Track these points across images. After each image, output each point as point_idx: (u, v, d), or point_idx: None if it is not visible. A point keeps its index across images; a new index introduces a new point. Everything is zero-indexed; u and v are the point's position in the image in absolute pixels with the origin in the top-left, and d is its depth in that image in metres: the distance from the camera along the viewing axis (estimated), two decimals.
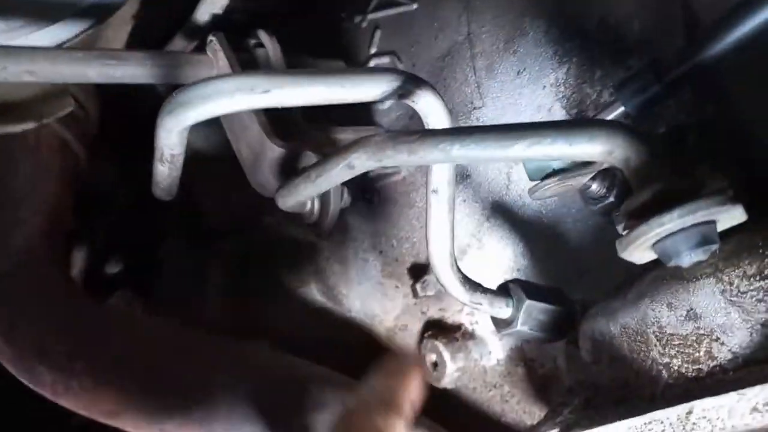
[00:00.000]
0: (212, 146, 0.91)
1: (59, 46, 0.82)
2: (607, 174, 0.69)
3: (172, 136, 0.56)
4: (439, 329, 0.86)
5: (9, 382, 0.77)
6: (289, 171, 0.68)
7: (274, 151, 0.69)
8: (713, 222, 0.39)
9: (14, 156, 0.95)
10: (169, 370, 0.72)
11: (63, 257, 0.99)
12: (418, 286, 0.86)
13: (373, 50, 0.97)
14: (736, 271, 0.45)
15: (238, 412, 0.69)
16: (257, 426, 0.69)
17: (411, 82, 0.57)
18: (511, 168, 0.82)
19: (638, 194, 0.40)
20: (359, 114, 0.94)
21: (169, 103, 0.54)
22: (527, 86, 0.81)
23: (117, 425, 0.73)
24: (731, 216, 0.39)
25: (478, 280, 0.68)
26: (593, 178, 0.68)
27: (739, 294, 0.45)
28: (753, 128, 0.62)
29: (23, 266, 0.83)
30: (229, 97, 0.51)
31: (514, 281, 0.66)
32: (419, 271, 0.89)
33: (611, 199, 0.69)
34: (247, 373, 0.71)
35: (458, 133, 0.48)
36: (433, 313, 0.88)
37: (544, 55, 0.79)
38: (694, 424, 0.45)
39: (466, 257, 0.85)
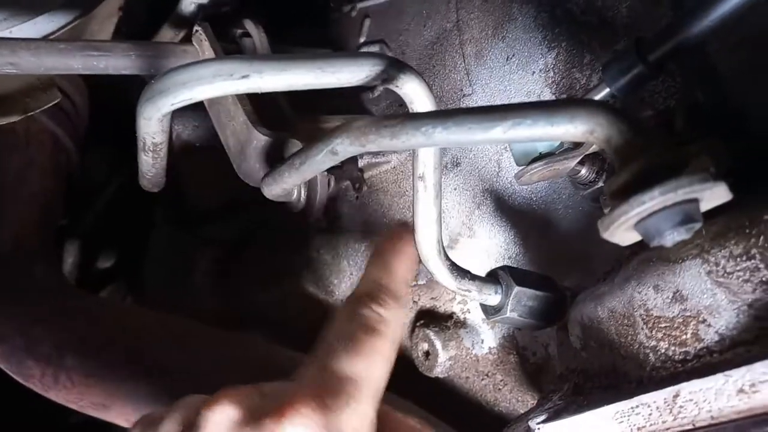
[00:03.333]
0: (200, 135, 0.90)
1: (43, 38, 0.82)
2: (596, 159, 0.68)
3: (152, 123, 0.56)
4: (430, 318, 0.85)
5: (6, 380, 0.77)
6: (275, 159, 0.68)
7: (260, 140, 0.68)
8: (696, 200, 0.38)
9: (3, 151, 0.95)
10: (159, 361, 0.71)
11: (53, 252, 0.99)
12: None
13: (362, 39, 0.96)
14: (723, 251, 0.45)
15: None
16: None
17: (394, 67, 0.56)
18: (501, 155, 0.82)
19: (620, 173, 0.39)
20: (348, 104, 0.94)
21: (148, 90, 0.53)
22: (516, 72, 0.80)
23: (107, 418, 0.73)
24: (715, 194, 0.38)
25: (469, 269, 0.67)
26: (582, 163, 0.67)
27: (726, 275, 0.44)
28: (742, 110, 0.61)
29: (12, 260, 0.83)
30: (207, 82, 0.50)
31: (503, 268, 0.66)
32: None
33: (600, 184, 0.68)
34: (237, 363, 0.71)
35: (440, 116, 0.48)
36: (425, 302, 0.87)
37: (533, 41, 0.78)
38: (681, 407, 0.44)
39: (458, 246, 0.84)
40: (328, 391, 0.40)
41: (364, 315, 0.45)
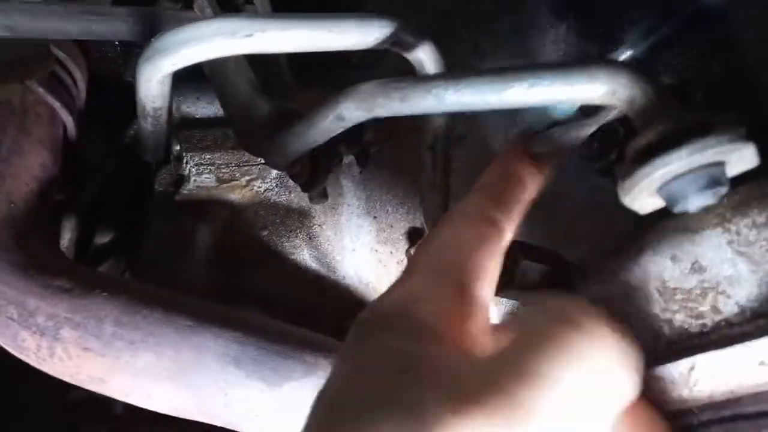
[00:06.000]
0: (201, 107, 0.88)
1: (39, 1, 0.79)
2: (608, 131, 0.67)
3: (152, 86, 0.54)
4: None
5: (3, 358, 0.76)
6: (278, 129, 0.66)
7: (263, 109, 0.66)
8: (722, 164, 0.37)
9: None
10: (157, 334, 0.70)
11: (49, 225, 0.97)
12: (412, 252, 0.84)
13: (367, 9, 0.94)
14: (745, 220, 0.43)
15: (227, 374, 0.67)
16: (247, 389, 0.67)
17: (404, 31, 0.54)
18: (509, 130, 0.80)
19: (643, 134, 0.37)
20: (353, 77, 0.92)
21: (147, 49, 0.51)
22: (526, 44, 0.78)
23: (103, 392, 0.72)
24: (742, 157, 0.37)
25: None
26: (594, 135, 0.66)
27: (748, 244, 0.43)
28: (761, 82, 0.59)
29: (6, 232, 0.81)
30: (209, 41, 0.48)
31: (510, 242, 0.64)
32: (415, 236, 0.87)
33: (612, 156, 0.66)
34: (237, 337, 0.69)
35: (452, 77, 0.46)
36: None
37: (542, 12, 0.76)
38: (697, 380, 0.43)
39: None
40: None
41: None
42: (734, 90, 0.60)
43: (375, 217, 0.90)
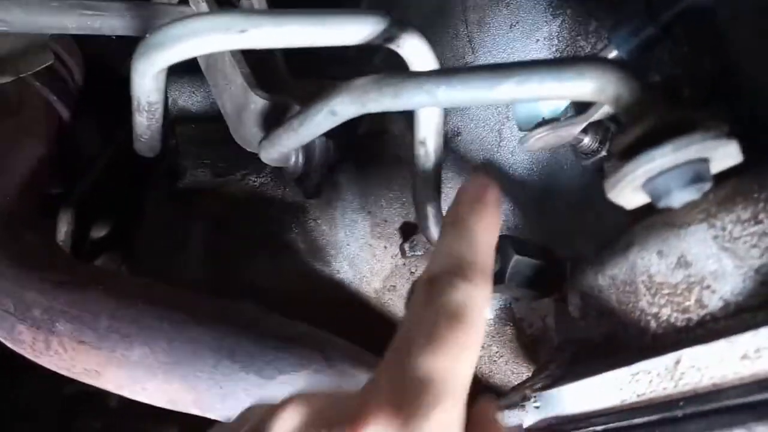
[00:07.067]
0: (196, 102, 0.89)
1: None
2: (599, 127, 0.67)
3: (147, 81, 0.54)
4: None
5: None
6: (273, 123, 0.66)
7: (257, 103, 0.66)
8: (706, 160, 0.37)
9: None
10: (152, 327, 0.70)
11: (45, 219, 0.97)
12: (406, 246, 0.84)
13: (364, 5, 0.94)
14: (730, 216, 0.44)
15: (222, 367, 0.68)
16: (241, 382, 0.68)
17: (396, 26, 0.55)
18: (503, 125, 0.80)
19: (629, 131, 0.38)
20: (348, 72, 0.92)
21: (142, 45, 0.51)
22: (520, 40, 0.78)
23: (99, 385, 0.72)
24: (726, 154, 0.37)
25: None
26: (585, 131, 0.66)
27: (732, 240, 0.43)
28: (750, 78, 0.60)
29: (2, 228, 0.82)
30: (204, 37, 0.48)
31: (503, 237, 0.65)
32: (408, 231, 0.87)
33: (603, 152, 0.67)
34: (232, 330, 0.70)
35: (444, 73, 0.46)
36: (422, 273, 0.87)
37: (537, 8, 0.77)
38: (682, 373, 0.44)
39: None
40: (405, 396, 0.34)
41: (446, 299, 0.36)
42: (723, 86, 0.61)
43: (369, 212, 0.90)
